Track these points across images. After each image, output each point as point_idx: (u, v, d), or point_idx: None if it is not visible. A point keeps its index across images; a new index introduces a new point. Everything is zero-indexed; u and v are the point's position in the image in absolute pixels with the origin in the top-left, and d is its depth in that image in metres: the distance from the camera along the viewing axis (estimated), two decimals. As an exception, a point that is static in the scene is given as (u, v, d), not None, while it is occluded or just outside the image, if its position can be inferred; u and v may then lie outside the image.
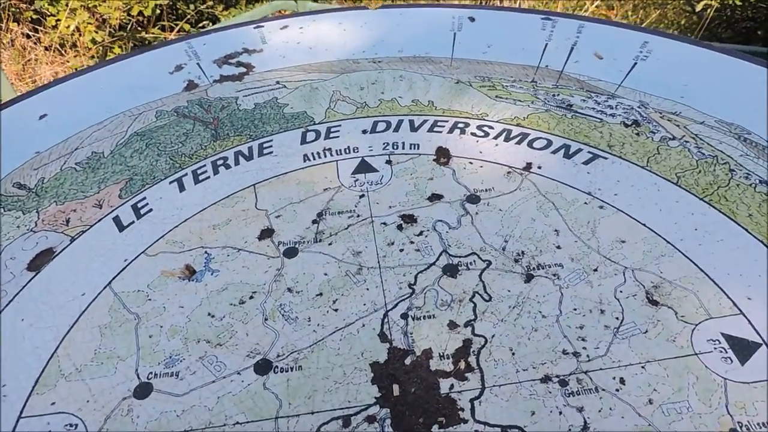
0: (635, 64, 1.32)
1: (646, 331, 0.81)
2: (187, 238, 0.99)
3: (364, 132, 1.18)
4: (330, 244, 0.97)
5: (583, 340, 0.81)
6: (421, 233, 0.98)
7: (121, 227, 1.01)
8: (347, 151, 1.14)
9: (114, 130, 1.23)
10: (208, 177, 1.11)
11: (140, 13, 3.81)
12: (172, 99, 1.31)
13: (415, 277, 0.91)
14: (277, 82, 1.34)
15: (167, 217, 1.03)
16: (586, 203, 1.02)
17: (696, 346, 0.79)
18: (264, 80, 1.35)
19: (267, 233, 1.00)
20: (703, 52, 1.37)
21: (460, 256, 0.94)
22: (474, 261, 0.93)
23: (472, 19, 1.50)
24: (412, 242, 0.97)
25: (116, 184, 1.10)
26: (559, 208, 1.01)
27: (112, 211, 1.05)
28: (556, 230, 0.98)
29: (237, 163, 1.13)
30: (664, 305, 0.84)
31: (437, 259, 0.94)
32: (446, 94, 1.27)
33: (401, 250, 0.95)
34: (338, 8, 1.65)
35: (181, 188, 1.09)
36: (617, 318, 0.83)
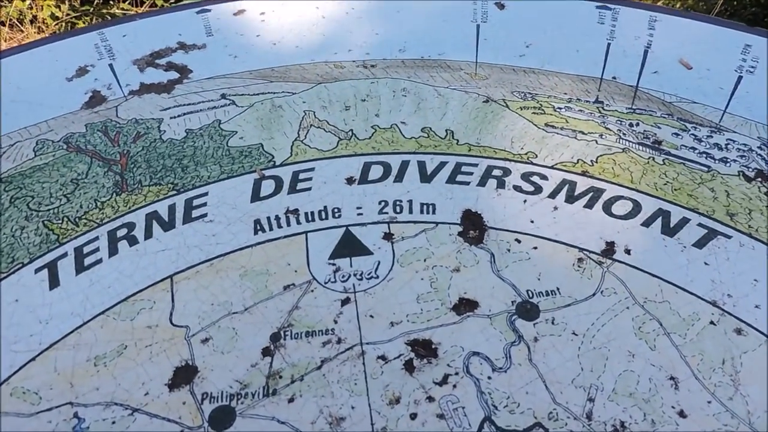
0: (740, 78, 0.92)
1: None
2: (49, 384, 0.58)
3: (350, 181, 0.77)
4: (291, 400, 0.57)
5: None
6: (445, 380, 0.58)
7: (-62, 360, 0.60)
8: (323, 214, 0.73)
9: (-32, 170, 0.81)
10: (100, 261, 0.69)
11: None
12: (65, 120, 0.88)
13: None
14: (223, 96, 0.91)
15: (21, 339, 0.62)
16: (713, 323, 0.62)
17: None
18: (203, 92, 0.92)
19: (184, 375, 0.59)
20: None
21: (516, 431, 0.54)
22: (542, 446, 0.53)
23: (501, 6, 1.07)
24: (430, 398, 0.57)
25: (-52, 272, 0.68)
26: (670, 331, 0.62)
27: (-70, 325, 0.63)
28: (672, 378, 0.58)
29: (149, 234, 0.72)
30: None
31: (477, 441, 0.54)
32: (472, 119, 0.86)
33: (413, 416, 0.55)
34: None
35: (54, 282, 0.67)
36: None
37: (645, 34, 1.01)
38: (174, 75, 0.96)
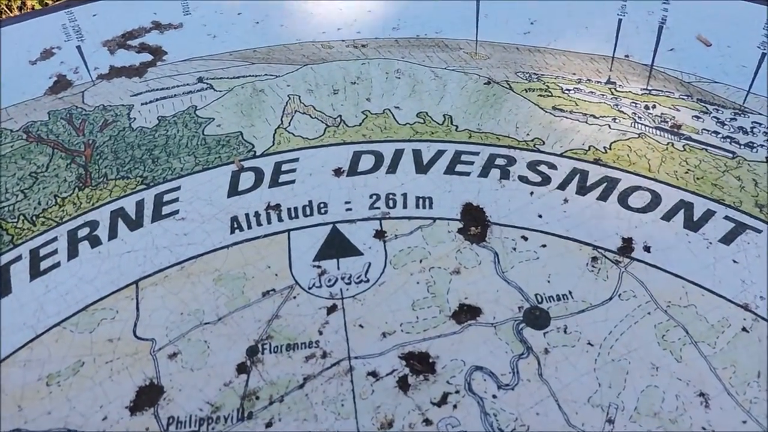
0: (764, 54, 0.84)
1: None
2: (-6, 407, 0.51)
3: (338, 173, 0.70)
4: (269, 424, 0.50)
5: None
6: (445, 399, 0.51)
7: None
8: (307, 210, 0.66)
9: None
10: (57, 264, 0.62)
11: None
12: (26, 108, 0.80)
13: None
14: (200, 80, 0.83)
15: (-36, 354, 0.55)
16: (745, 330, 0.55)
17: None
18: (178, 75, 0.84)
19: (148, 396, 0.52)
20: None
21: (524, 460, 0.48)
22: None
23: (502, -20, 0.99)
24: (427, 421, 0.50)
25: None
26: (697, 339, 0.54)
27: None
28: (701, 394, 0.51)
29: (113, 234, 0.64)
30: None
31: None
32: (472, 103, 0.78)
33: (407, 443, 0.49)
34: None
35: (5, 289, 0.60)
36: None
37: (659, 8, 0.93)
38: (147, 57, 0.88)
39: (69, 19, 0.95)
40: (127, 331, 0.56)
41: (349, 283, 0.59)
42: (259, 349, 0.55)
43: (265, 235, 0.64)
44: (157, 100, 0.80)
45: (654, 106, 0.77)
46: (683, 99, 0.79)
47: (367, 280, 0.59)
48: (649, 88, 0.81)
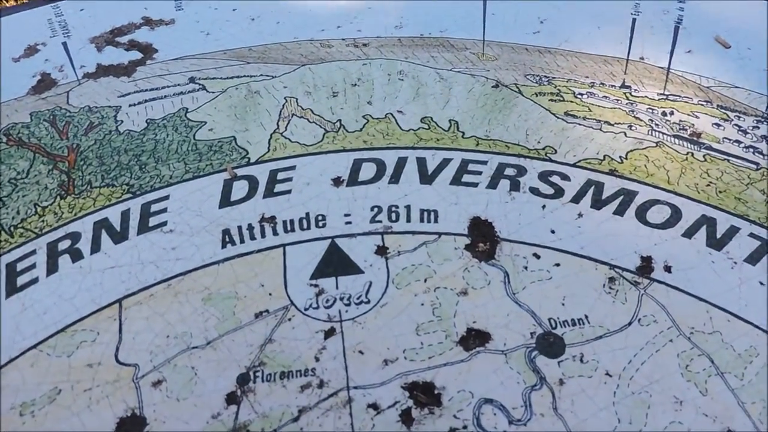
0: (787, 57, 0.80)
1: None
2: (-39, 440, 0.47)
3: (337, 183, 0.65)
4: (260, 462, 0.46)
5: None
6: (451, 435, 0.47)
7: None
8: (304, 223, 0.62)
9: None
10: (36, 280, 0.58)
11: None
12: (8, 108, 0.76)
13: None
14: (192, 80, 0.79)
15: (-69, 380, 0.51)
16: (776, 360, 0.51)
17: None
18: (169, 75, 0.80)
19: (130, 429, 0.48)
20: None
21: (538, 505, 0.44)
22: None
23: (510, -24, 0.95)
24: (433, 460, 0.46)
25: None
26: (723, 370, 0.51)
27: None
28: (729, 431, 0.47)
29: (96, 247, 0.60)
30: None
31: None
32: (480, 107, 0.74)
33: (411, 485, 0.45)
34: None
35: (-23, 307, 0.56)
36: None
37: (675, 7, 0.88)
38: (136, 55, 0.84)
39: (55, 13, 0.90)
40: (109, 356, 0.52)
41: (349, 305, 0.55)
42: (251, 377, 0.51)
43: (259, 250, 0.59)
44: (146, 101, 0.76)
45: (672, 113, 0.73)
46: (702, 105, 0.75)
47: (368, 301, 0.55)
48: (666, 92, 0.76)
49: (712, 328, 0.53)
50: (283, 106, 0.75)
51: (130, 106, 0.75)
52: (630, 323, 0.53)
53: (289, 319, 0.54)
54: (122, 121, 0.73)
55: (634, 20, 0.87)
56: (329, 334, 0.53)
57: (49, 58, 0.83)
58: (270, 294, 0.56)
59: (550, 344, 0.52)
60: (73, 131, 0.72)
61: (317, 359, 0.51)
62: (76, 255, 0.60)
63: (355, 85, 0.77)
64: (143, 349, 0.52)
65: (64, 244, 0.60)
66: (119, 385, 0.50)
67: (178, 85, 0.78)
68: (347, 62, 0.81)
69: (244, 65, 0.81)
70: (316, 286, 0.56)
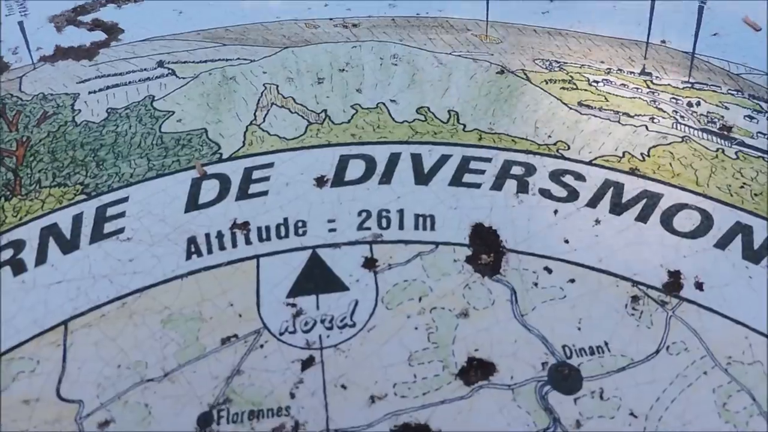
0: (825, 41, 0.72)
1: None
2: None
3: (321, 182, 0.57)
4: None
5: None
6: (448, 491, 0.40)
7: None
8: (282, 230, 0.54)
9: None
10: (-31, 298, 0.50)
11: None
12: (-48, 95, 0.68)
13: None
14: (160, 64, 0.71)
15: None
16: (829, 397, 0.44)
17: None
18: (135, 58, 0.72)
19: (69, 482, 0.41)
20: None
21: None
22: None
23: (516, -50, 0.86)
24: None
25: None
26: (767, 407, 0.43)
27: None
28: (778, 486, 0.40)
29: (42, 258, 0.52)
30: None
31: None
32: (483, 96, 0.66)
33: None
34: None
35: None
36: None
37: (699, -15, 0.80)
38: (100, 36, 0.75)
39: (12, -12, 0.82)
40: (49, 390, 0.45)
41: (331, 328, 0.48)
42: (214, 417, 0.43)
43: (229, 262, 0.52)
44: (107, 87, 0.68)
45: (698, 103, 0.65)
46: (732, 94, 0.67)
47: (353, 324, 0.48)
48: (692, 80, 0.68)
49: (753, 357, 0.46)
50: (262, 94, 0.67)
51: (89, 93, 0.67)
52: (657, 351, 0.46)
53: (261, 346, 0.47)
54: (80, 111, 0.65)
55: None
56: (307, 364, 0.46)
57: (2, 39, 0.75)
58: (240, 315, 0.48)
59: (564, 377, 0.45)
60: (24, 122, 0.64)
61: (292, 395, 0.44)
62: (18, 267, 0.52)
63: (343, 70, 0.69)
64: (90, 381, 0.45)
65: (6, 254, 0.53)
66: (60, 426, 0.43)
67: (145, 69, 0.70)
68: (335, 44, 0.73)
69: (220, 47, 0.73)
70: (293, 305, 0.49)
